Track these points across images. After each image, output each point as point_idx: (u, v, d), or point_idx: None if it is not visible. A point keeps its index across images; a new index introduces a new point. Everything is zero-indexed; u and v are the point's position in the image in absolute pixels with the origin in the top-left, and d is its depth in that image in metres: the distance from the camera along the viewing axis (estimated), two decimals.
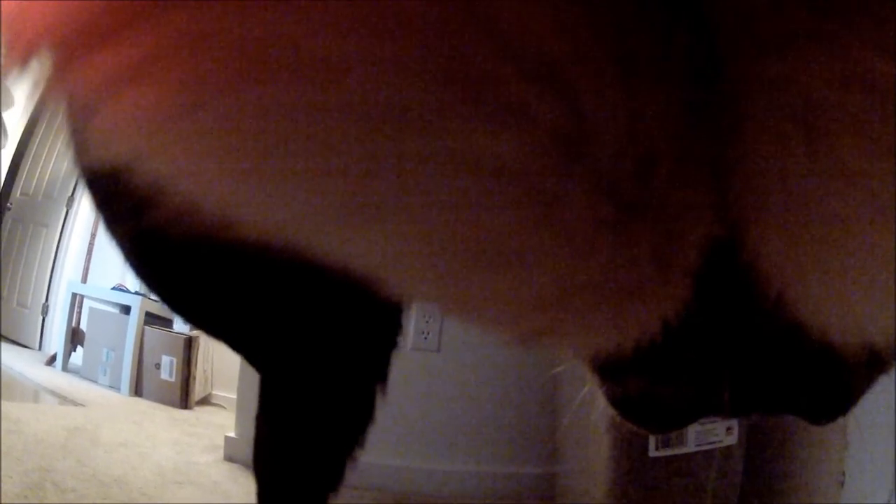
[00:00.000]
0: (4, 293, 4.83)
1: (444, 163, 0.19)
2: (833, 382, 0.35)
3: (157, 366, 3.77)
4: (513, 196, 0.20)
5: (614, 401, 0.38)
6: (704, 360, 0.33)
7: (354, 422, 0.47)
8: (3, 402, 2.38)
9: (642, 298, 0.27)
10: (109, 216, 0.34)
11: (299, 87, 0.17)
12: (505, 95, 0.19)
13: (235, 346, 0.44)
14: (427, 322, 2.06)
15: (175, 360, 3.75)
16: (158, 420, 2.95)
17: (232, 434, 2.13)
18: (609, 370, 0.35)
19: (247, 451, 2.17)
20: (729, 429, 1.46)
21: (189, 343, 3.81)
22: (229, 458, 2.06)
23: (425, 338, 2.06)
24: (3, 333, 4.61)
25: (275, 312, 0.36)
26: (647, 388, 0.36)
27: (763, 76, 0.21)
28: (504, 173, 0.20)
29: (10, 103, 3.14)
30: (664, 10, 0.21)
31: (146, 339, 3.86)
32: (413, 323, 2.06)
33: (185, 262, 0.32)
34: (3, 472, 1.42)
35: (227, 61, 0.17)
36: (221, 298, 0.36)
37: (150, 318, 3.94)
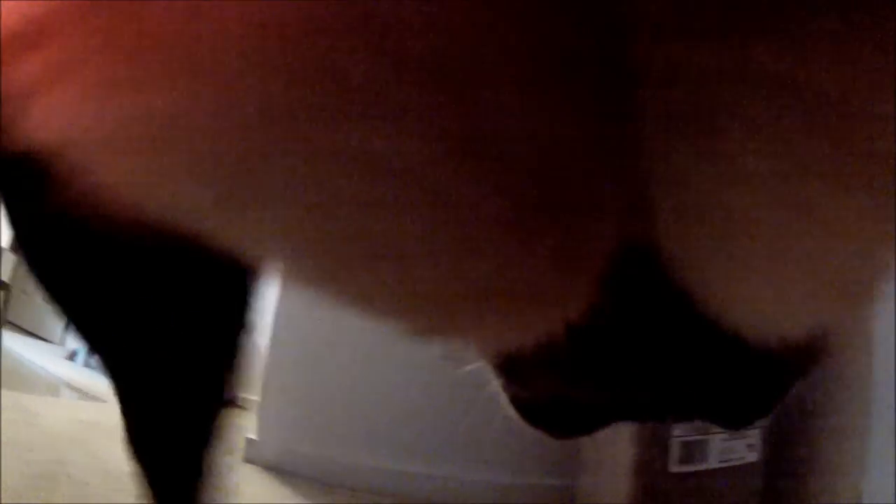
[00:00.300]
0: (29, 287, 4.88)
1: (330, 159, 0.19)
2: (749, 383, 0.35)
3: None
4: (400, 193, 0.21)
5: (517, 404, 0.38)
6: (615, 364, 0.32)
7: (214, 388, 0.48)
8: (21, 394, 2.39)
9: (542, 299, 0.26)
10: (16, 198, 0.34)
11: (192, 87, 0.19)
12: (399, 98, 0.19)
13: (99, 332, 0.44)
14: None
15: None
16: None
17: (253, 436, 2.14)
18: (514, 371, 0.35)
19: (268, 453, 2.20)
20: (750, 445, 1.45)
21: None
22: (249, 461, 2.06)
23: (453, 350, 2.03)
24: (25, 327, 4.67)
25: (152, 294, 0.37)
26: (554, 392, 0.35)
27: (661, 71, 0.21)
28: (394, 171, 0.20)
29: None
30: (569, 11, 0.21)
31: None
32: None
33: (81, 244, 0.33)
34: (17, 464, 1.43)
35: (130, 61, 0.19)
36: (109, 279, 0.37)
37: None
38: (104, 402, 2.76)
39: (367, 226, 0.21)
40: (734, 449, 1.43)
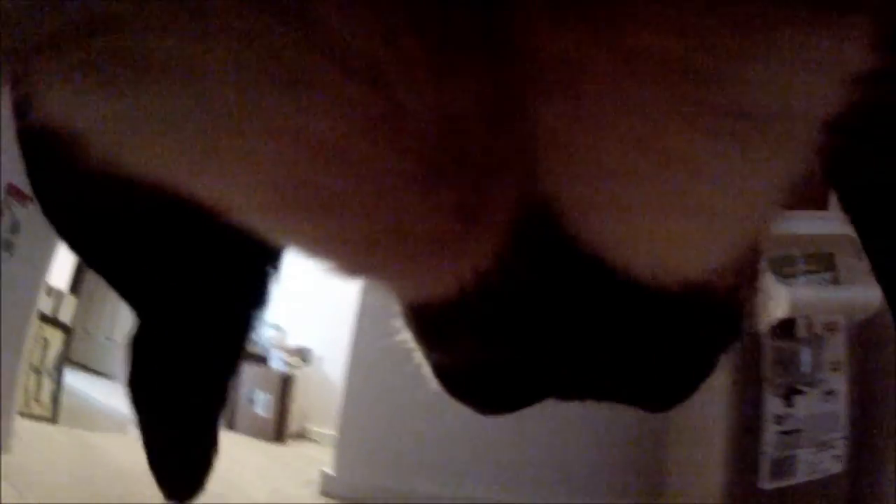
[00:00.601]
0: (90, 326, 5.03)
1: (277, 137, 0.25)
2: (669, 348, 0.36)
3: (251, 401, 3.82)
4: (330, 160, 0.25)
5: (440, 372, 0.40)
6: (526, 317, 0.34)
7: (225, 345, 0.50)
8: (87, 432, 2.41)
9: (450, 246, 0.29)
10: (37, 161, 0.40)
11: (162, 80, 0.24)
12: (331, 90, 0.24)
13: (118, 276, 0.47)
14: None
15: (270, 396, 3.79)
16: (251, 453, 2.97)
17: (329, 471, 2.15)
18: (433, 331, 0.37)
19: (344, 487, 2.21)
20: (836, 456, 1.45)
21: (285, 380, 3.86)
22: (326, 494, 2.06)
23: None
24: (90, 365, 4.82)
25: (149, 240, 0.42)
26: (472, 357, 0.37)
27: (540, 45, 0.24)
28: (326, 146, 0.25)
29: None
30: (478, 13, 0.24)
31: (240, 374, 3.92)
32: None
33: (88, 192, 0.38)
34: (84, 501, 1.43)
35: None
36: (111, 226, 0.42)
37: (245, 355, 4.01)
38: None
39: (302, 185, 0.26)
40: (821, 461, 1.43)
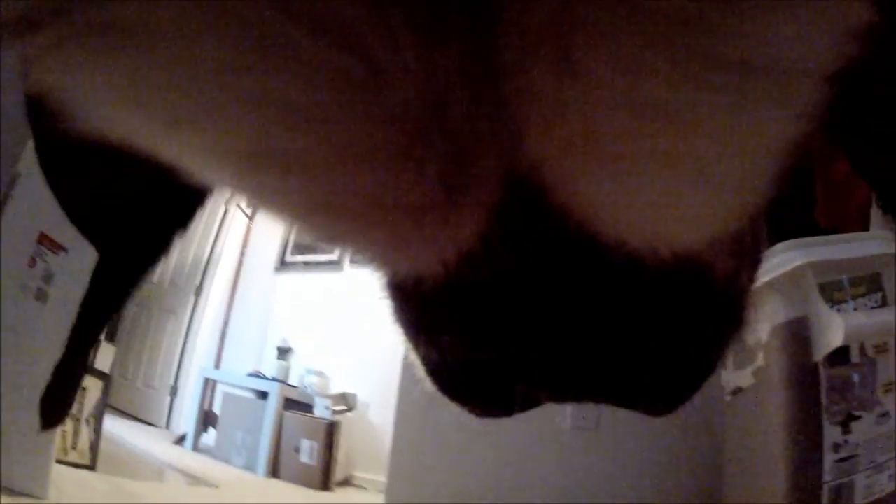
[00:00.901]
0: (129, 373, 5.06)
1: (248, 101, 0.24)
2: (666, 342, 0.34)
3: (297, 449, 3.84)
4: (309, 128, 0.25)
5: (432, 370, 0.39)
6: (516, 314, 0.33)
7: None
8: (125, 479, 2.41)
9: (433, 218, 0.28)
10: (38, 127, 0.43)
11: (142, 48, 0.24)
12: (304, 53, 0.24)
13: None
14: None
15: (315, 444, 3.80)
16: (297, 501, 2.95)
17: None
18: (417, 320, 0.37)
19: None
20: (890, 476, 1.44)
21: (331, 428, 3.85)
22: None
23: (584, 417, 2.11)
24: (129, 412, 4.80)
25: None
26: (461, 354, 0.36)
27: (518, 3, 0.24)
28: (302, 109, 0.25)
29: None
30: None
31: (284, 423, 3.94)
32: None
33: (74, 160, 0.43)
34: None
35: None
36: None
37: (289, 404, 4.02)
38: (214, 486, 2.76)
39: (279, 151, 0.26)
40: (876, 482, 1.43)
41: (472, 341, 0.35)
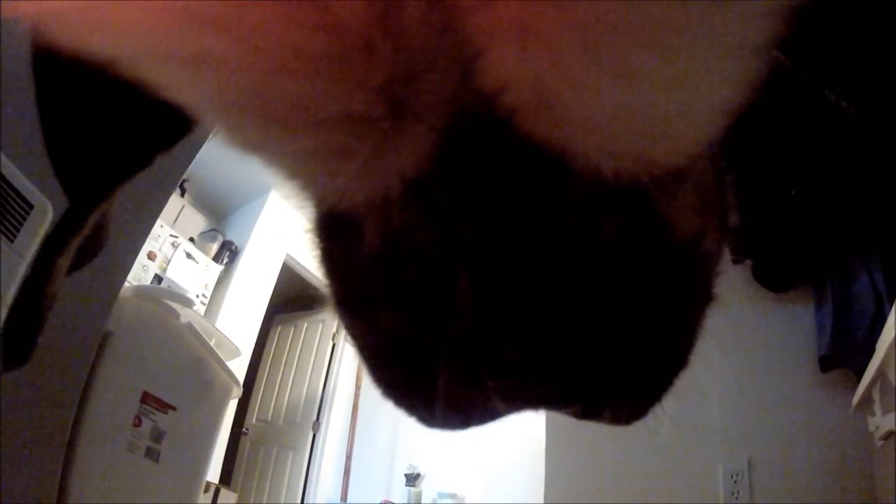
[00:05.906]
0: None
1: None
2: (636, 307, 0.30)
3: None
4: (230, 28, 0.24)
5: (365, 353, 0.35)
6: (459, 266, 0.29)
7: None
8: None
9: (374, 134, 0.26)
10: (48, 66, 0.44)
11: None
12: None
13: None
14: (735, 481, 2.30)
15: None
16: None
17: None
18: (345, 267, 0.33)
19: None
20: None
21: None
22: None
23: (736, 496, 2.27)
24: None
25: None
26: (400, 327, 0.31)
27: None
28: (212, 9, 0.24)
29: (236, 353, 3.28)
30: None
31: None
32: (721, 482, 2.31)
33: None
34: None
35: None
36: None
37: None
38: None
39: (188, 51, 0.25)
40: None
41: (415, 315, 0.31)
